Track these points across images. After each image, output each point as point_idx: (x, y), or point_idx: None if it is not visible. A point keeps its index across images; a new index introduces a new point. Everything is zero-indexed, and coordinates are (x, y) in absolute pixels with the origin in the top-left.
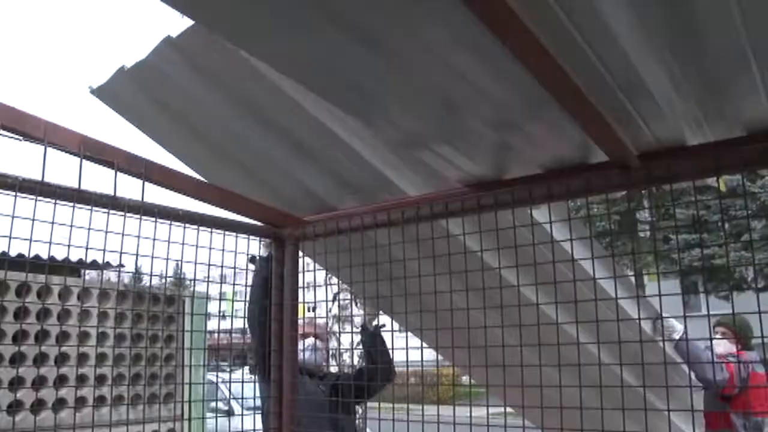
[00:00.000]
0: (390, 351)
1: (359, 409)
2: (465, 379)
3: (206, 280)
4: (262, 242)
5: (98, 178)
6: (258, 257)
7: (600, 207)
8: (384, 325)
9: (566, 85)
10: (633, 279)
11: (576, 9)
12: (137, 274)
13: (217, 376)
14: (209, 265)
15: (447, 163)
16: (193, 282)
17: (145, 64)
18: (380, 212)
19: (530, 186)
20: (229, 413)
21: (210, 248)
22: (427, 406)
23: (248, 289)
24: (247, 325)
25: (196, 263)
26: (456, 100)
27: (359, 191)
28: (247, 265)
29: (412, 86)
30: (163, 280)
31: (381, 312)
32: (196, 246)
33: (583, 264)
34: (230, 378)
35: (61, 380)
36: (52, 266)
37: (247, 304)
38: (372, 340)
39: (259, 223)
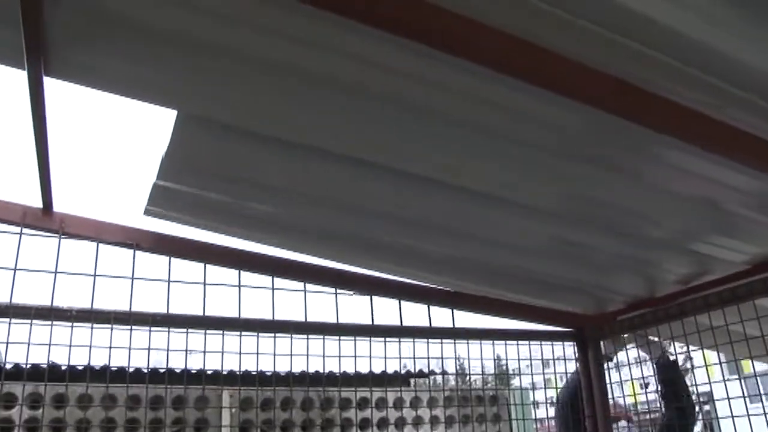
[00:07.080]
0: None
1: None
2: None
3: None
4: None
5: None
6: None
7: None
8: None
9: None
10: None
11: None
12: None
13: None
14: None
15: (726, 249)
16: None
17: None
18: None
19: None
20: None
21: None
22: None
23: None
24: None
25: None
26: (713, 198)
27: (634, 289)
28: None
29: (666, 195)
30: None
31: None
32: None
33: None
34: None
35: None
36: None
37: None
38: (673, 372)
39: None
